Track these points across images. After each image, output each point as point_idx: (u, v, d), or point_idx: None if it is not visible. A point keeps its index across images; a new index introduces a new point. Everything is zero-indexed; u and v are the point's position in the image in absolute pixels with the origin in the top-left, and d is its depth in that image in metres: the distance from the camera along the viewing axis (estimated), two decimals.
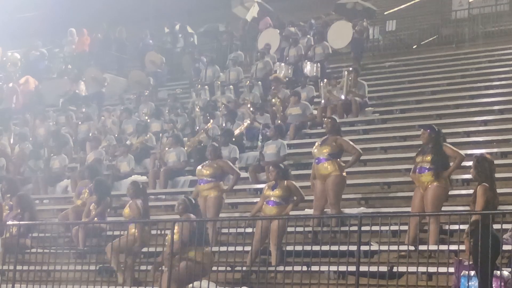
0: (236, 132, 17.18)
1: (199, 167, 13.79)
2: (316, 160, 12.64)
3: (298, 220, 11.94)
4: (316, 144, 12.85)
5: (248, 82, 20.55)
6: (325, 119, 14.04)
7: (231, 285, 11.00)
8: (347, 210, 12.90)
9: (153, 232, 13.09)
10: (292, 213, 12.28)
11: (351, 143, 12.84)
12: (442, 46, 22.42)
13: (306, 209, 13.45)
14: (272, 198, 12.00)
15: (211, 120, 18.04)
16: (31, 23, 32.43)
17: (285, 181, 12.08)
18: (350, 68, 18.46)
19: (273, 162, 14.12)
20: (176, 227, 10.76)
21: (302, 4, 30.28)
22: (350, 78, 17.71)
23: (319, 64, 20.65)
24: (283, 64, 20.85)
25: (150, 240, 12.58)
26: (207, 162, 13.81)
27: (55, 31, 30.52)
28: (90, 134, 19.51)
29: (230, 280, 11.13)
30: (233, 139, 16.63)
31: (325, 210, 12.64)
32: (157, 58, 25.30)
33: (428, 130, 11.58)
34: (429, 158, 11.36)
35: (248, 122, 17.41)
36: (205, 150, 16.84)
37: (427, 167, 11.34)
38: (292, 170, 15.92)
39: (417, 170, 11.48)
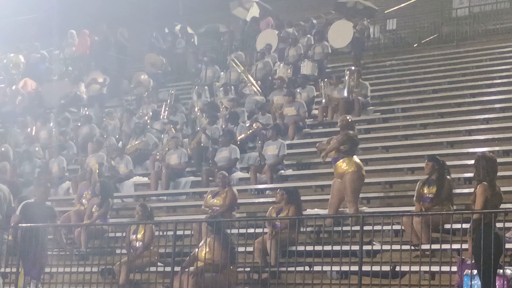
0: (241, 136, 17.14)
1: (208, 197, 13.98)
2: (332, 160, 12.66)
3: (300, 220, 11.90)
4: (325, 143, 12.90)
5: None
6: (341, 116, 14.03)
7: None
8: (348, 210, 12.88)
9: (155, 233, 13.08)
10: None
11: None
12: (443, 45, 22.36)
13: (308, 209, 13.44)
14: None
15: (207, 119, 18.02)
16: (29, 26, 32.36)
17: None
18: (353, 68, 18.45)
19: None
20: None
21: (302, 4, 30.23)
22: (352, 78, 17.68)
23: (316, 64, 20.62)
24: (282, 64, 20.80)
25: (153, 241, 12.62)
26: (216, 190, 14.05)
27: (54, 34, 30.43)
28: (95, 138, 19.44)
29: None
30: (238, 143, 16.63)
31: (340, 209, 12.62)
32: (157, 59, 25.22)
33: (432, 162, 11.75)
34: (434, 189, 11.53)
35: (254, 128, 17.30)
36: (205, 151, 16.89)
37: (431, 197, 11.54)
38: (292, 170, 16.00)
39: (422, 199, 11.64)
